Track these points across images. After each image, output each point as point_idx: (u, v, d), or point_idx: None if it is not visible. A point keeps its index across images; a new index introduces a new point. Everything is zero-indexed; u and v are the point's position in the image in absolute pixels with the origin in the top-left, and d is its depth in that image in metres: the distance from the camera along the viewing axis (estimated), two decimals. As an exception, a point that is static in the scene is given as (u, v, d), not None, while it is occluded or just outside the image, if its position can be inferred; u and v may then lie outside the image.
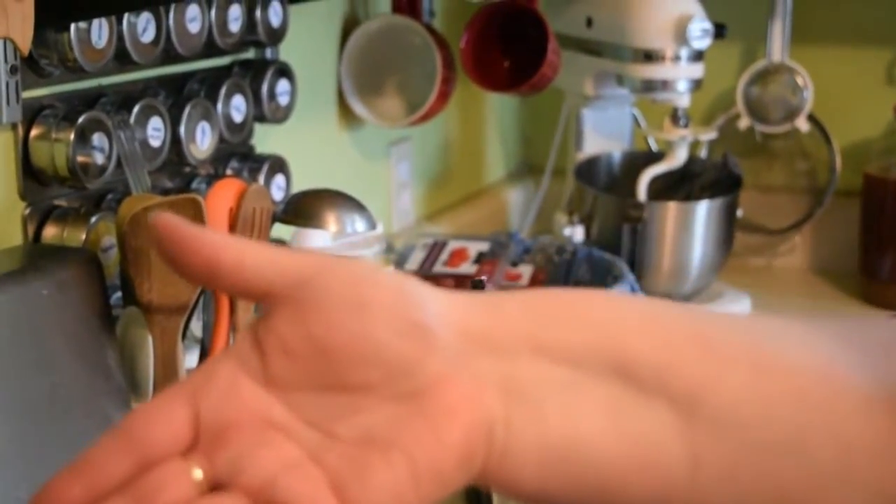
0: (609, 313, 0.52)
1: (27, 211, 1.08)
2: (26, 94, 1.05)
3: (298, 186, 1.33)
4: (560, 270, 1.54)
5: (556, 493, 0.51)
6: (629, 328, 0.52)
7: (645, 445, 0.50)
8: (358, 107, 1.56)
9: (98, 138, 1.09)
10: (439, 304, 0.49)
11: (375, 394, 0.48)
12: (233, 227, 1.08)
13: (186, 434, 0.47)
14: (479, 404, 0.49)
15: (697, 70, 1.60)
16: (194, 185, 1.26)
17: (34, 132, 1.07)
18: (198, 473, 0.47)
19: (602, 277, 1.51)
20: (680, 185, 1.70)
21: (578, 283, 1.52)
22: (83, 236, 1.09)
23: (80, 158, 1.07)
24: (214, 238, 0.49)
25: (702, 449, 0.51)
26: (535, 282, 1.52)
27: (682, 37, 1.57)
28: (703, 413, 0.51)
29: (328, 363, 0.48)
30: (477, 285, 0.66)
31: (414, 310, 0.48)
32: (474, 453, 0.49)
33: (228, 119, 1.28)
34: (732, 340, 0.53)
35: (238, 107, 1.29)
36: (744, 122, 1.82)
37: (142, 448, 0.47)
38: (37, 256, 1.05)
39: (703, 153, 1.76)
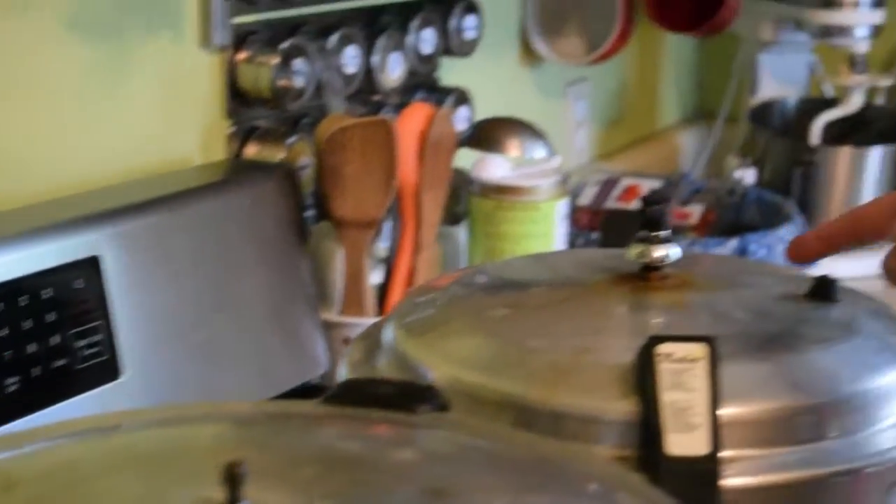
0: None
1: (231, 130, 1.16)
2: (235, 21, 1.13)
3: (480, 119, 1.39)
4: (730, 211, 1.58)
5: None
6: None
7: None
8: (539, 45, 1.61)
9: (299, 63, 1.16)
10: None
11: None
12: (422, 150, 1.14)
13: None
14: None
15: (878, 16, 1.61)
16: (382, 113, 1.32)
17: (241, 56, 1.15)
18: None
19: (771, 219, 1.54)
20: (854, 132, 1.71)
21: (748, 224, 1.55)
22: (281, 155, 1.16)
23: (281, 82, 1.15)
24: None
25: None
26: (705, 221, 1.56)
27: (863, -18, 1.58)
28: None
29: None
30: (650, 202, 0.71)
31: None
32: None
33: (417, 51, 1.34)
34: None
35: (427, 39, 1.35)
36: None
37: None
38: (239, 171, 1.13)
39: (880, 100, 1.76)
